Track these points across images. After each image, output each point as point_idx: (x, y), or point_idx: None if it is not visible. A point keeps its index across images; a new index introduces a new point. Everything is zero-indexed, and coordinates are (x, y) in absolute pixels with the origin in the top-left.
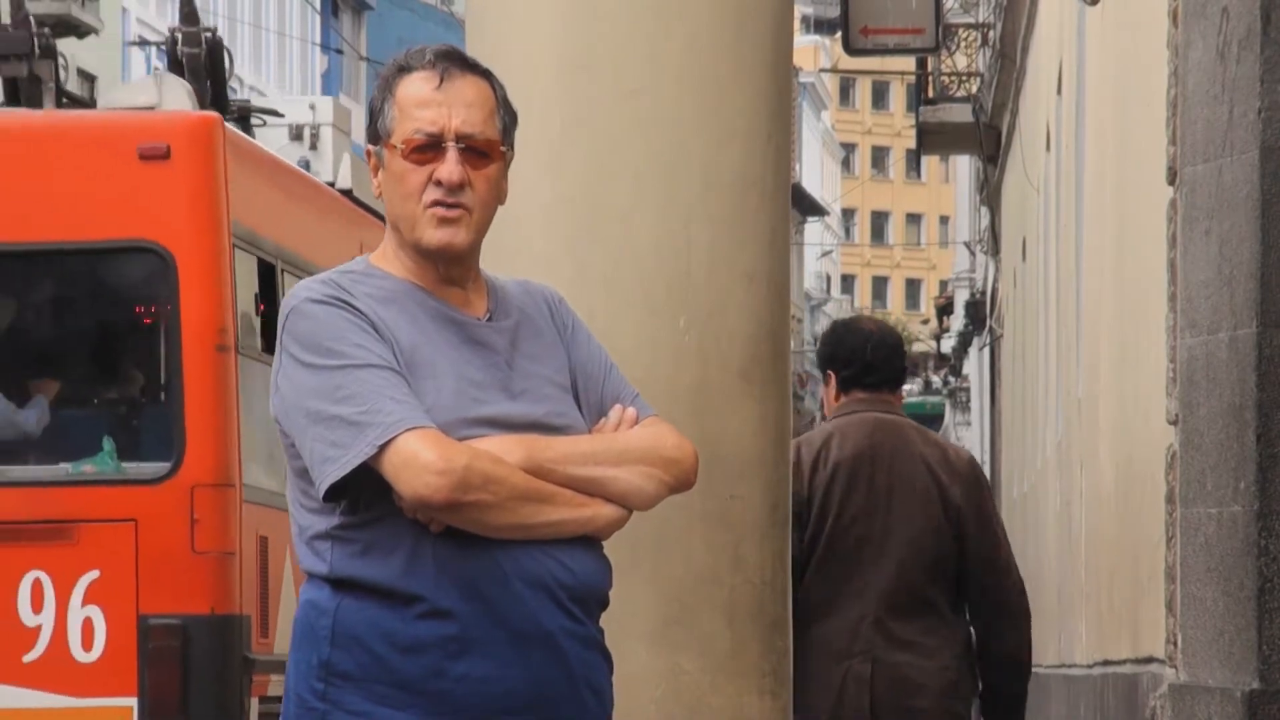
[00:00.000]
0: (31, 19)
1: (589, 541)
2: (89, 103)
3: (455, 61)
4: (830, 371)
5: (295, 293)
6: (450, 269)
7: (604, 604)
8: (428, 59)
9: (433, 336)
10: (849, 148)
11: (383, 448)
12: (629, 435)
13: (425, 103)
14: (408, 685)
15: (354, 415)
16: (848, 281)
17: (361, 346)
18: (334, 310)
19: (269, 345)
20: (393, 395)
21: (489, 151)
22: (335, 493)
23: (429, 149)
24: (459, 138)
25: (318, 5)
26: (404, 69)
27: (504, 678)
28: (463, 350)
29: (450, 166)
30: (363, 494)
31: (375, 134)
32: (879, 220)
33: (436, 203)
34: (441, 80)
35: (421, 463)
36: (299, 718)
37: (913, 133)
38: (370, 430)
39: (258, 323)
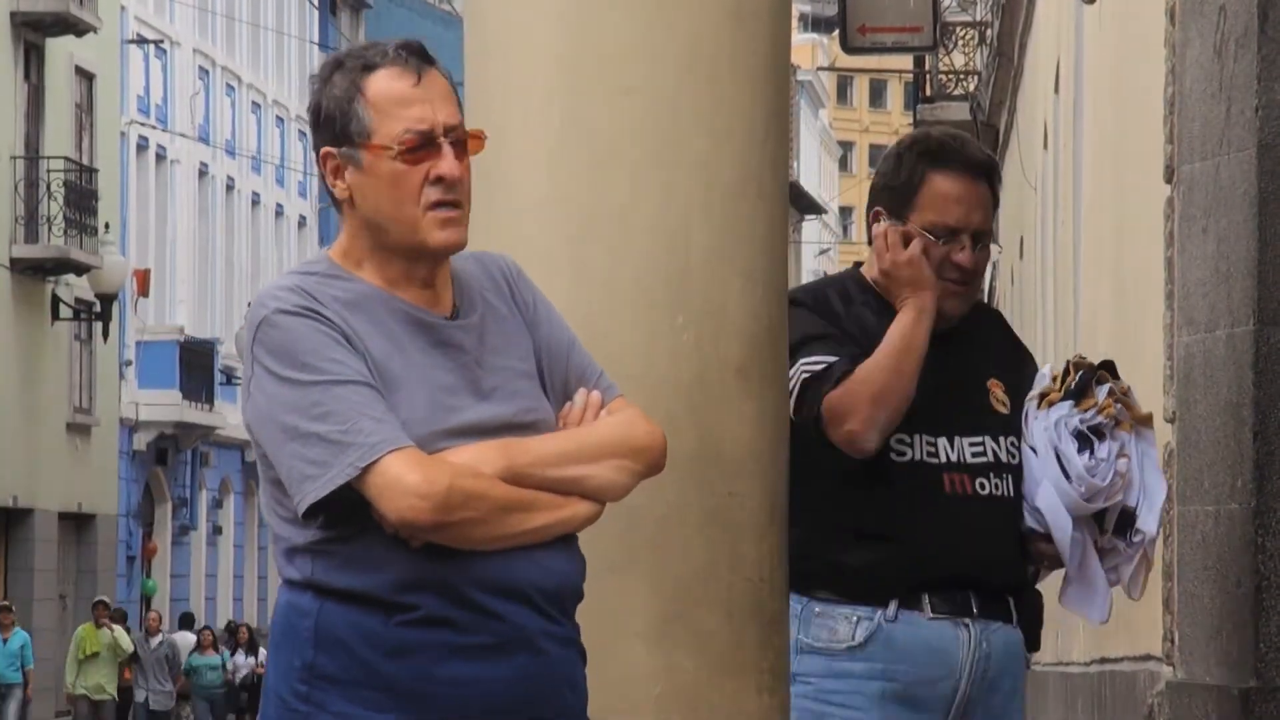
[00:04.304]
0: None
1: (564, 539)
2: None
3: (423, 55)
4: None
5: (263, 300)
6: (434, 268)
7: (579, 598)
8: (393, 54)
9: (403, 344)
10: (847, 146)
11: (365, 469)
12: (600, 428)
13: (408, 100)
14: (393, 688)
15: (333, 434)
16: None
17: (337, 361)
18: (306, 322)
19: None
20: (372, 414)
21: (468, 142)
22: (314, 509)
23: (422, 148)
24: (447, 131)
25: (316, 3)
26: (369, 66)
27: (488, 680)
28: (432, 355)
29: (450, 162)
30: (342, 509)
31: (341, 136)
32: None
33: (439, 203)
34: (420, 76)
35: (405, 485)
36: (281, 719)
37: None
38: (351, 451)
39: None
